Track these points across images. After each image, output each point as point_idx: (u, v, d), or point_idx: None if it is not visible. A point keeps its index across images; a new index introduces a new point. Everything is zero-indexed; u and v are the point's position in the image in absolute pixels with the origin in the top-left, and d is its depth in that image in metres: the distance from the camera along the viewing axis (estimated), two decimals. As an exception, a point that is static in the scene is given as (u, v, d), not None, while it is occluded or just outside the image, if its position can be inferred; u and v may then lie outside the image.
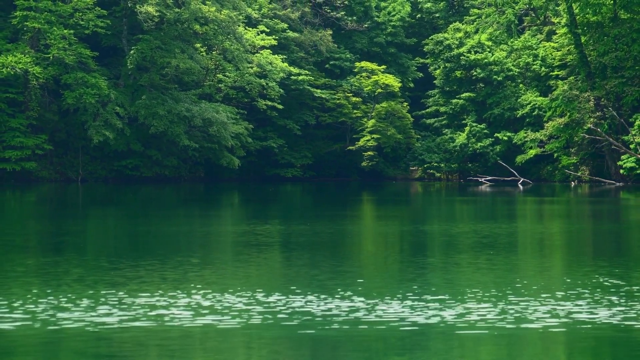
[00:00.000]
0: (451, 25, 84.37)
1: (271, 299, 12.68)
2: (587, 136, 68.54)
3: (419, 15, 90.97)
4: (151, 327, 10.62)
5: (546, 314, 11.60)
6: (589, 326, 10.86)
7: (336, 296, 12.94)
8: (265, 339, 10.16)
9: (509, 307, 12.14)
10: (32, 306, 11.95)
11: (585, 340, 10.18)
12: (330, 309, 11.83)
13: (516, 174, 75.00)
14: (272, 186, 67.08)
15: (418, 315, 11.49)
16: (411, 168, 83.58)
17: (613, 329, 10.72)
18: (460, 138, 79.27)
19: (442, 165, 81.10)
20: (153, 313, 11.43)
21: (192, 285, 14.00)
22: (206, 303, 12.26)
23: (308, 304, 12.32)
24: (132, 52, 67.04)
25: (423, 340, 10.19)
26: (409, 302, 12.50)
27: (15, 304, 12.10)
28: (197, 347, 9.78)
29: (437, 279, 15.32)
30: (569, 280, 14.93)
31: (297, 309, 11.85)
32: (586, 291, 13.57)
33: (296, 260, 18.04)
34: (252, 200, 48.38)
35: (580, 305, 12.31)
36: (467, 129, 79.15)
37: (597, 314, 11.66)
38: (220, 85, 76.61)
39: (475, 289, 13.85)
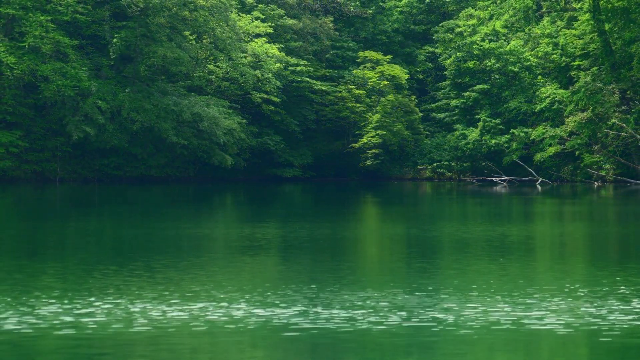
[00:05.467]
0: (463, 11, 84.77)
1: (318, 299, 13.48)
2: (611, 132, 68.68)
3: (428, 0, 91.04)
4: (208, 328, 11.38)
5: (560, 318, 11.96)
6: (603, 331, 11.15)
7: (394, 294, 13.77)
8: (310, 337, 10.79)
9: (523, 309, 12.57)
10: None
11: (599, 346, 10.45)
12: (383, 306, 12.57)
13: (534, 173, 75.14)
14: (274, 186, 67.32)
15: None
16: (419, 167, 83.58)
17: (629, 335, 11.02)
18: (473, 134, 79.42)
19: (453, 164, 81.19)
20: (206, 315, 12.23)
21: (236, 287, 14.96)
22: (257, 301, 13.19)
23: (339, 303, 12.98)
24: (115, 40, 67.18)
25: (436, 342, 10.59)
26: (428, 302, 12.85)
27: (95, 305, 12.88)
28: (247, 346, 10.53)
29: (450, 281, 15.75)
30: (585, 286, 15.30)
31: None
32: (605, 297, 13.94)
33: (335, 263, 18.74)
34: (253, 202, 48.51)
35: (595, 309, 12.67)
36: (480, 124, 79.34)
37: (615, 318, 12.01)
38: (211, 76, 76.70)
39: (494, 292, 14.09)
